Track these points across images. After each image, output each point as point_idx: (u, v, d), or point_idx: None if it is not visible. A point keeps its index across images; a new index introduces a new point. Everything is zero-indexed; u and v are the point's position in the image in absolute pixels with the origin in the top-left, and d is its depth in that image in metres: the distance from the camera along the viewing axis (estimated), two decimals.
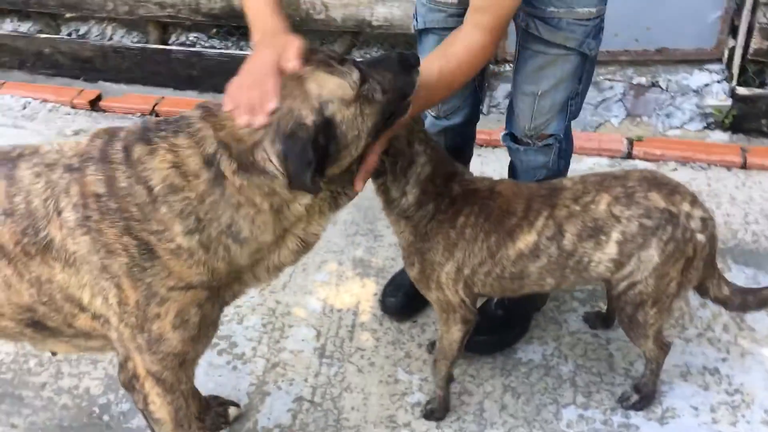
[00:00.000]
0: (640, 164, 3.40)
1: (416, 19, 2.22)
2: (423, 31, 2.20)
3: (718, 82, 3.86)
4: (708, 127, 3.82)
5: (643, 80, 3.91)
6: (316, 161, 1.43)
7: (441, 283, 2.03)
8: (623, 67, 3.99)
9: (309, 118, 1.43)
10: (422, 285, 2.09)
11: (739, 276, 2.70)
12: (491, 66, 4.02)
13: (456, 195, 1.98)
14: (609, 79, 3.96)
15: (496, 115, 3.97)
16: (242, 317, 2.64)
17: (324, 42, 4.23)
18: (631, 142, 3.52)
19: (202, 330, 1.65)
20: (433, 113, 2.35)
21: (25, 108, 3.97)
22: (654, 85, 3.92)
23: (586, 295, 2.66)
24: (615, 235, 1.93)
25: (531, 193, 2.02)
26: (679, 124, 3.87)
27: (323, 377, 2.40)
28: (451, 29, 2.06)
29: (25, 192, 1.54)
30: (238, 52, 4.18)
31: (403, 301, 2.59)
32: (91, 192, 1.50)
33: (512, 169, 2.36)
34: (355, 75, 1.50)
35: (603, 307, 2.59)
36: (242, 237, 1.53)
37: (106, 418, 2.29)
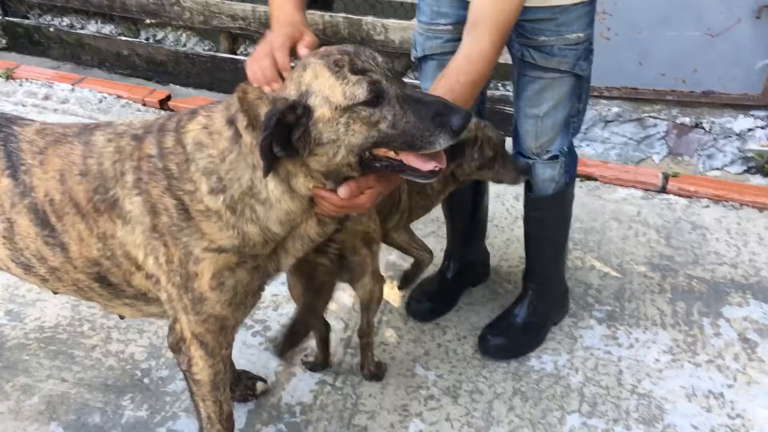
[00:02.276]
0: (674, 198, 3.50)
1: (415, 48, 2.38)
2: (422, 59, 2.37)
3: (762, 127, 3.92)
4: (748, 170, 3.90)
5: (687, 120, 4.01)
6: (277, 132, 1.50)
7: None
8: (669, 107, 4.09)
9: (291, 96, 1.55)
10: None
11: (756, 311, 2.78)
12: None
13: None
14: (653, 117, 4.07)
15: None
16: (278, 305, 2.84)
17: None
18: (666, 177, 3.62)
19: (239, 296, 1.80)
20: None
21: (101, 102, 4.30)
22: (697, 126, 4.01)
23: (604, 314, 2.78)
24: None
25: None
26: (719, 166, 3.96)
27: (346, 365, 2.57)
28: (449, 54, 2.23)
29: (97, 155, 1.76)
30: None
31: (427, 306, 2.76)
32: (145, 154, 1.70)
33: (527, 184, 2.48)
34: (358, 90, 1.50)
35: (618, 327, 2.71)
36: (263, 198, 1.65)
37: (146, 381, 2.50)
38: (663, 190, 3.57)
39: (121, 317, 2.13)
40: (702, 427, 2.32)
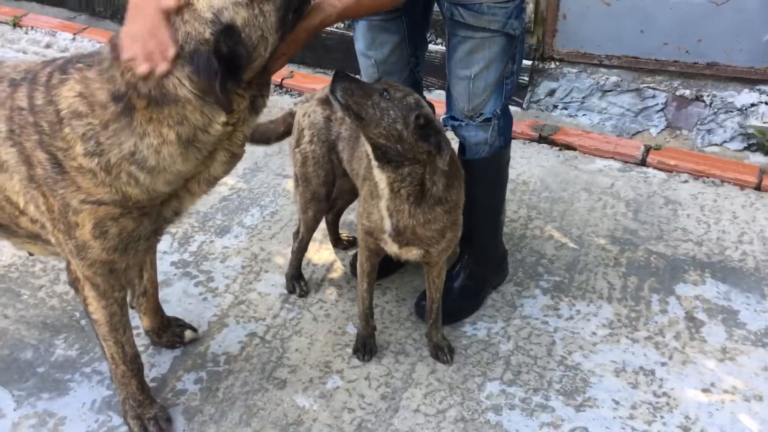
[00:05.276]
0: (652, 172, 3.37)
1: None
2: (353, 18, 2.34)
3: (766, 103, 3.74)
4: (749, 148, 3.72)
5: (687, 93, 3.85)
6: (224, 68, 1.54)
7: None
8: (671, 78, 3.93)
9: (207, 32, 1.54)
10: None
11: (711, 290, 2.68)
12: (534, 62, 4.07)
13: None
14: (652, 88, 3.92)
15: (536, 111, 4.02)
16: (226, 257, 2.86)
17: None
18: (648, 149, 3.48)
19: (127, 242, 1.80)
20: None
21: None
22: (697, 98, 3.84)
23: (551, 285, 2.72)
24: None
25: None
26: (719, 142, 3.80)
27: (280, 319, 2.58)
28: (379, 15, 2.27)
29: None
30: None
31: None
32: (17, 105, 1.70)
33: (461, 147, 2.43)
34: None
35: (562, 298, 2.65)
36: (149, 166, 1.66)
37: (83, 322, 2.56)
38: (643, 162, 3.44)
39: (30, 254, 2.17)
40: (623, 402, 2.26)
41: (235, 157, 1.83)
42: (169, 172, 1.70)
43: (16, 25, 4.64)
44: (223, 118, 1.66)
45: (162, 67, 1.55)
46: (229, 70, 1.57)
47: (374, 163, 2.04)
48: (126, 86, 1.60)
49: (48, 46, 4.44)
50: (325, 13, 1.78)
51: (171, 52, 1.55)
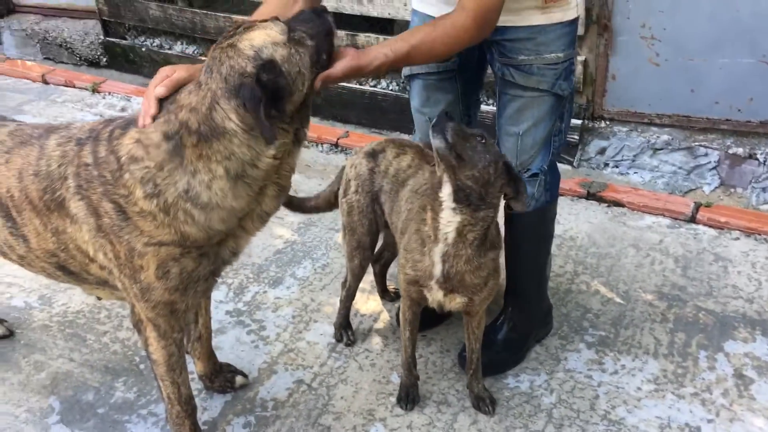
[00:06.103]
0: (702, 229, 3.36)
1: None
2: (410, 77, 2.51)
3: None
4: None
5: (740, 151, 3.84)
6: (267, 97, 1.70)
7: None
8: (723, 136, 3.94)
9: (249, 66, 1.72)
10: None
11: (761, 348, 2.64)
12: (584, 121, 4.14)
13: None
14: (704, 146, 3.93)
15: (586, 169, 4.07)
16: (278, 308, 2.97)
17: None
18: (698, 206, 3.48)
19: (187, 282, 1.93)
20: None
21: None
22: (751, 156, 3.83)
23: (596, 339, 2.72)
24: None
25: None
26: None
27: (327, 368, 2.66)
28: (434, 74, 2.39)
29: (47, 157, 1.95)
30: None
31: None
32: (83, 162, 1.88)
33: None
34: (279, 25, 1.78)
35: (606, 353, 2.65)
36: (202, 202, 1.79)
37: (142, 366, 2.70)
38: (692, 219, 3.43)
39: (98, 298, 2.32)
40: None
41: (283, 191, 1.95)
42: (222, 208, 1.82)
43: (94, 90, 4.99)
44: (272, 151, 1.79)
45: (146, 121, 1.80)
46: (271, 99, 1.72)
47: (449, 205, 2.08)
48: (179, 125, 1.77)
49: (123, 109, 4.75)
50: (368, 58, 1.91)
51: (152, 111, 1.80)
